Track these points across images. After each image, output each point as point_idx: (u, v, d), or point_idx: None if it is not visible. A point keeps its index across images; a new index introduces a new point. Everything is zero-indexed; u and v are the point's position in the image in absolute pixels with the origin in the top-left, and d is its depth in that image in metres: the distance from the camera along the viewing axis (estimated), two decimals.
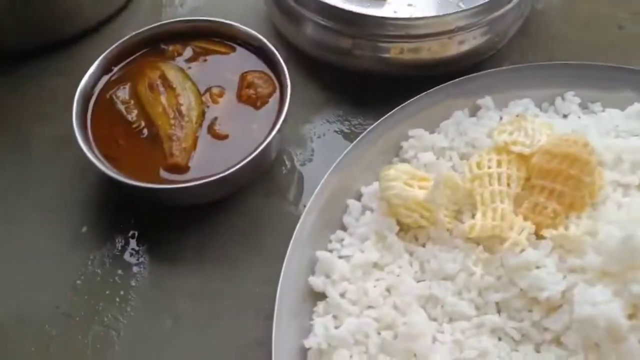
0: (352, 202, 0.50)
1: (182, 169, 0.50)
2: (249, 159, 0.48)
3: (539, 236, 0.44)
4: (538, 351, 0.41)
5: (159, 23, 0.58)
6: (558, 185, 0.44)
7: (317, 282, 0.45)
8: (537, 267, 0.42)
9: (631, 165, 0.47)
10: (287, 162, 0.57)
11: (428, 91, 0.54)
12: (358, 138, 0.52)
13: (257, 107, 0.53)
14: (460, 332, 0.42)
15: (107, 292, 0.50)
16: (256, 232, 0.53)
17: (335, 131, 0.59)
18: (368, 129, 0.52)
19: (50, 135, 0.58)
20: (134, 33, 0.56)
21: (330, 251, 0.47)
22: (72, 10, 0.65)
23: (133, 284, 0.50)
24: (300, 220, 0.47)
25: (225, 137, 0.52)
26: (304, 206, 0.54)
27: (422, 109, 0.53)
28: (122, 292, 0.50)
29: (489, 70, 0.56)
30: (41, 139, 0.58)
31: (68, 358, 0.47)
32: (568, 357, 0.40)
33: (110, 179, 0.48)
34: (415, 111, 0.53)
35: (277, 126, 0.50)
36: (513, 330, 0.42)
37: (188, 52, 0.57)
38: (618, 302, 0.39)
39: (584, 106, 0.54)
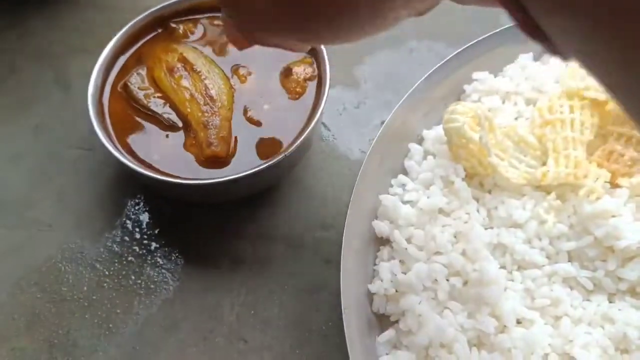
0: (413, 146, 0.48)
1: (221, 160, 0.45)
2: (297, 142, 0.44)
3: (613, 185, 0.42)
4: (612, 301, 0.40)
5: (163, 4, 0.51)
6: (637, 132, 0.42)
7: (382, 226, 0.44)
8: (613, 216, 0.41)
9: None
10: (339, 105, 0.55)
11: (490, 33, 0.51)
12: (419, 80, 0.50)
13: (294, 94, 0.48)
14: (531, 281, 0.41)
15: (158, 231, 0.48)
16: (311, 177, 0.51)
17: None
18: (428, 72, 0.50)
19: (90, 70, 0.55)
20: (139, 17, 0.50)
21: (393, 196, 0.46)
22: None
23: (187, 225, 0.49)
24: (364, 164, 0.45)
25: (260, 122, 0.47)
26: (359, 150, 0.52)
27: (485, 51, 0.51)
28: (175, 233, 0.48)
29: None
30: (82, 74, 0.56)
31: (121, 297, 0.46)
32: None
33: (150, 178, 0.43)
34: (478, 54, 0.51)
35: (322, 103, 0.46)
36: (586, 280, 0.40)
37: (200, 29, 0.51)
38: None
39: None
